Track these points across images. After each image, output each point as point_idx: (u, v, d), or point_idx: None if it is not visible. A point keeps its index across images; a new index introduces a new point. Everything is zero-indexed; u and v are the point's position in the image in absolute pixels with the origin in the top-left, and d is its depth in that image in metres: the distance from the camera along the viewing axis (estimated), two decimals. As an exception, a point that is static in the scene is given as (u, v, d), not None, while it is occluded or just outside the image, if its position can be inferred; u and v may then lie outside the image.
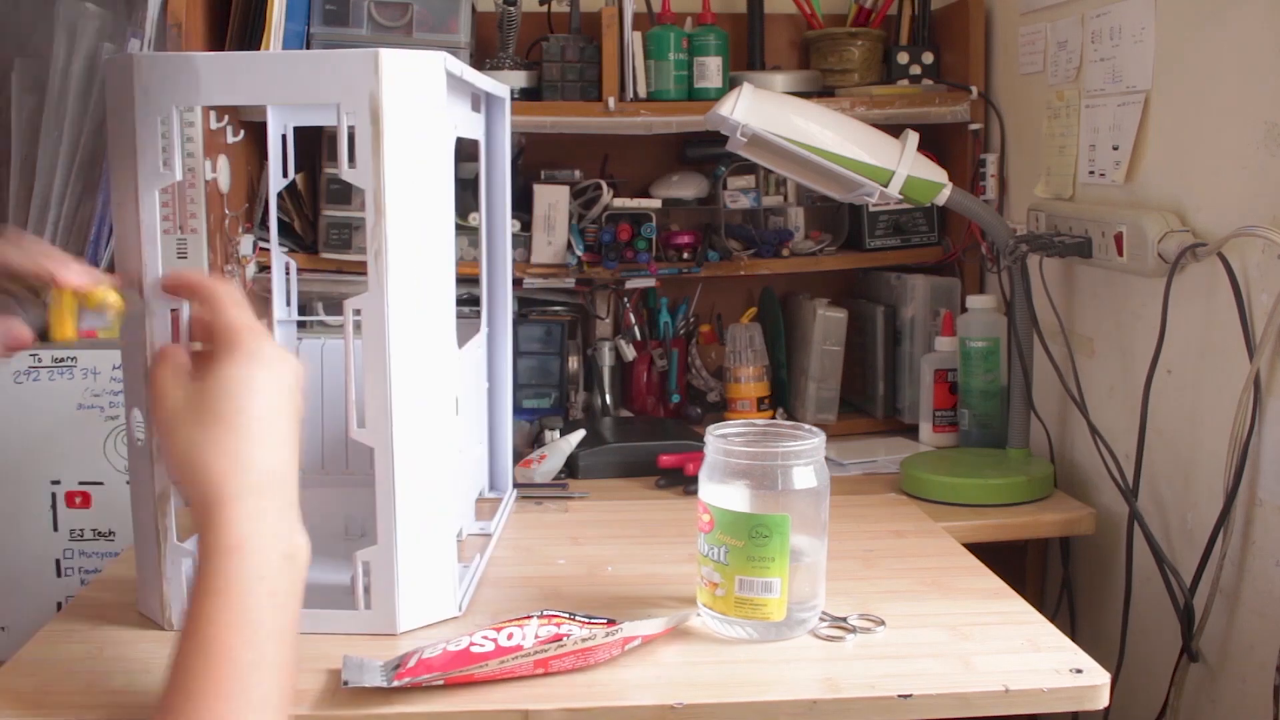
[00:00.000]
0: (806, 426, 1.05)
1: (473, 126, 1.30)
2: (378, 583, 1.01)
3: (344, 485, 1.34)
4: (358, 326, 0.98)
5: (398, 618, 1.02)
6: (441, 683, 0.91)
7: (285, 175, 1.31)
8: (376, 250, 0.97)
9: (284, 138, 1.30)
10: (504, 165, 1.39)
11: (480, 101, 1.34)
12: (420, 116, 0.99)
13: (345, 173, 0.96)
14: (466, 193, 1.85)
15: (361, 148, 0.96)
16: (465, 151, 1.90)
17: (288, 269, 1.38)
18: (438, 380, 1.03)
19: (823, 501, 1.02)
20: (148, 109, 0.96)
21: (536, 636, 0.96)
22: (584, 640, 0.94)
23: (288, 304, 1.38)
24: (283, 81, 0.98)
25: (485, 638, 0.96)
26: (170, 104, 0.96)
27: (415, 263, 1.00)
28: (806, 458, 1.01)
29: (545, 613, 1.01)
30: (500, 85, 1.36)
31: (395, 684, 0.90)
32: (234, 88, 0.98)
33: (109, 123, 1.00)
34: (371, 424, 0.99)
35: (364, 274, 0.98)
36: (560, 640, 0.94)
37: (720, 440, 1.02)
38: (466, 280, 1.84)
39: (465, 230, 1.79)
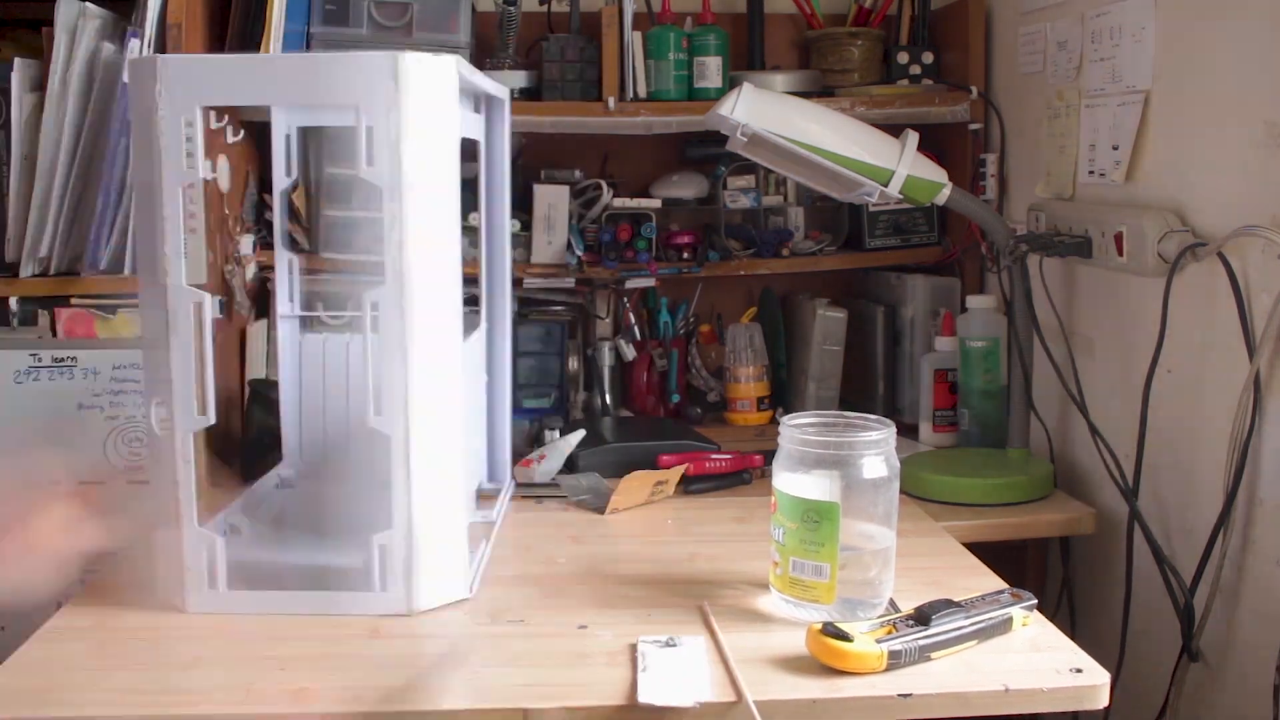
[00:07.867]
0: (876, 418, 1.09)
1: (473, 127, 1.31)
2: (393, 565, 1.05)
3: (347, 478, 1.36)
4: (374, 320, 1.03)
5: (412, 599, 1.06)
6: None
7: (289, 174, 1.35)
8: (396, 243, 1.03)
9: (288, 138, 1.35)
10: (503, 165, 1.41)
11: (480, 102, 1.35)
12: (433, 117, 1.04)
13: (364, 171, 1.01)
14: (465, 192, 1.85)
15: (379, 147, 1.01)
16: (465, 152, 1.91)
17: (291, 265, 1.40)
18: (446, 370, 1.07)
19: (892, 490, 1.07)
20: (172, 109, 1.00)
21: None
22: None
23: (290, 299, 1.40)
24: (301, 83, 1.03)
25: None
26: (195, 104, 1.00)
27: (427, 257, 1.05)
28: (878, 448, 1.06)
29: None
30: (501, 86, 1.37)
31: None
32: (255, 89, 1.04)
33: (132, 123, 1.04)
34: (387, 412, 1.04)
35: (364, 272, 1.03)
36: None
37: (794, 430, 1.07)
38: (466, 280, 1.87)
39: (464, 230, 1.79)
